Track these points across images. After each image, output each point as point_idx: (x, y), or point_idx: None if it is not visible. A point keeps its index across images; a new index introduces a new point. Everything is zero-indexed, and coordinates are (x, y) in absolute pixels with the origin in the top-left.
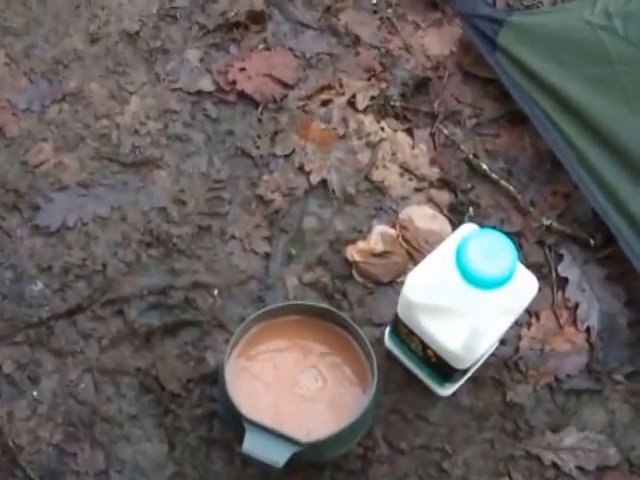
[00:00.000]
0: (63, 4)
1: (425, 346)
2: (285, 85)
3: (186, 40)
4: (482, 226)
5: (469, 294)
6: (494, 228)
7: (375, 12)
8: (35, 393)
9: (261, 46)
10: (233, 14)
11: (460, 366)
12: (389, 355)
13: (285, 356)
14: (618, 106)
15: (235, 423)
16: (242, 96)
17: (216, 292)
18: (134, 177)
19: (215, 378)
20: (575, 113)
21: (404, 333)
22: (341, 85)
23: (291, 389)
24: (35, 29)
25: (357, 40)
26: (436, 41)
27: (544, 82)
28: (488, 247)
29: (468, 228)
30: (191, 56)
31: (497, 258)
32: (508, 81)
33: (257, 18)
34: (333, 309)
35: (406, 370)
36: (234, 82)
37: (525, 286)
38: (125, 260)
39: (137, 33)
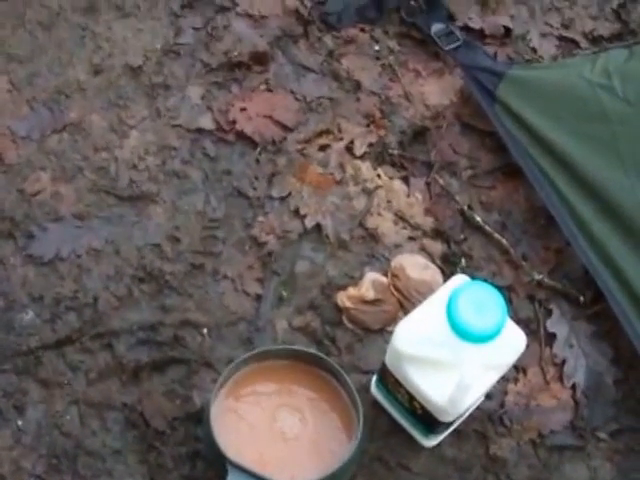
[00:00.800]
0: (68, 34)
1: (411, 397)
2: (285, 127)
3: (188, 77)
4: (474, 278)
5: (458, 347)
6: (485, 281)
7: (377, 58)
8: (20, 422)
9: (263, 87)
10: (236, 54)
11: (445, 419)
12: (375, 403)
13: (272, 399)
14: (612, 165)
15: (218, 463)
16: (241, 136)
17: (205, 331)
18: (130, 211)
19: (200, 417)
20: (569, 169)
21: (391, 383)
22: (340, 130)
23: (276, 432)
24: (39, 57)
25: (358, 86)
26: (436, 90)
27: (541, 137)
28: (479, 300)
29: (460, 280)
30: (193, 93)
31: (487, 312)
32: (505, 134)
33: (260, 59)
34: (322, 355)
35: (391, 418)
36: (234, 122)
37: (514, 342)
38: (117, 294)
39: (140, 67)
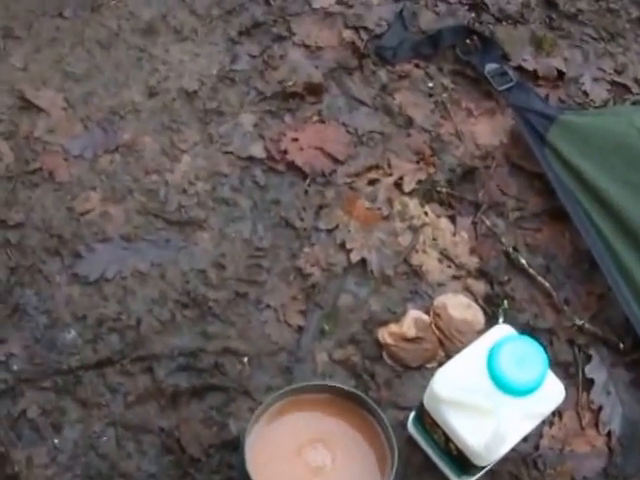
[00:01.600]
0: (125, 55)
1: (448, 439)
2: (335, 160)
3: (242, 104)
4: (515, 320)
5: (497, 397)
6: (527, 324)
7: (430, 95)
8: (56, 441)
9: (315, 118)
10: (291, 83)
11: (480, 463)
12: (410, 439)
13: (307, 432)
14: None
15: None
16: (291, 167)
17: (246, 360)
18: (177, 236)
19: (236, 445)
20: (615, 217)
21: (428, 423)
22: (390, 165)
23: (308, 466)
24: (96, 76)
25: (410, 121)
26: (487, 130)
27: (588, 182)
28: (520, 354)
29: (502, 330)
30: (246, 120)
31: (528, 366)
32: (554, 177)
33: (314, 90)
34: (360, 393)
35: (426, 455)
36: (285, 152)
37: (552, 393)
38: (160, 318)
39: (195, 92)
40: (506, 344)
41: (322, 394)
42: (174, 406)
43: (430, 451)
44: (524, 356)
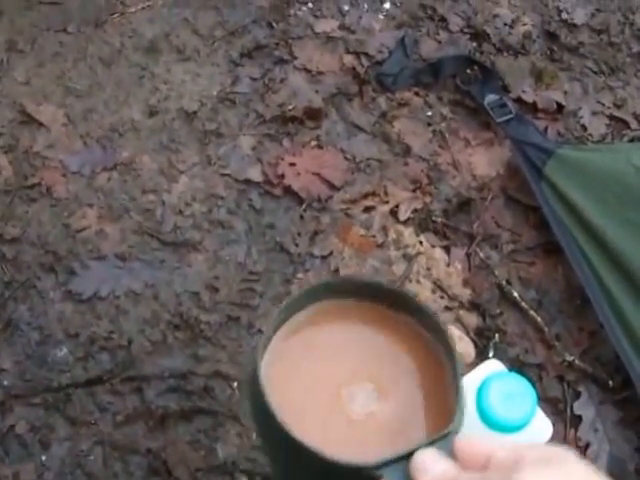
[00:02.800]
0: (127, 72)
1: None
2: (332, 186)
3: (241, 126)
4: (505, 354)
5: (484, 432)
6: (517, 358)
7: (429, 124)
8: (44, 458)
9: (314, 143)
10: (291, 107)
11: None
12: None
13: (341, 356)
14: None
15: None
16: (288, 191)
17: (235, 384)
18: (172, 257)
19: (224, 470)
20: (609, 254)
21: None
22: (386, 193)
23: (342, 407)
24: (97, 93)
25: (407, 150)
26: (484, 161)
27: (584, 218)
28: (509, 391)
29: (492, 365)
30: (244, 143)
31: (516, 403)
32: (549, 212)
33: (314, 115)
34: (411, 295)
35: None
36: (282, 176)
37: (540, 429)
38: (151, 339)
39: (195, 113)
40: (495, 381)
41: (360, 300)
42: (162, 428)
43: None
44: (513, 393)
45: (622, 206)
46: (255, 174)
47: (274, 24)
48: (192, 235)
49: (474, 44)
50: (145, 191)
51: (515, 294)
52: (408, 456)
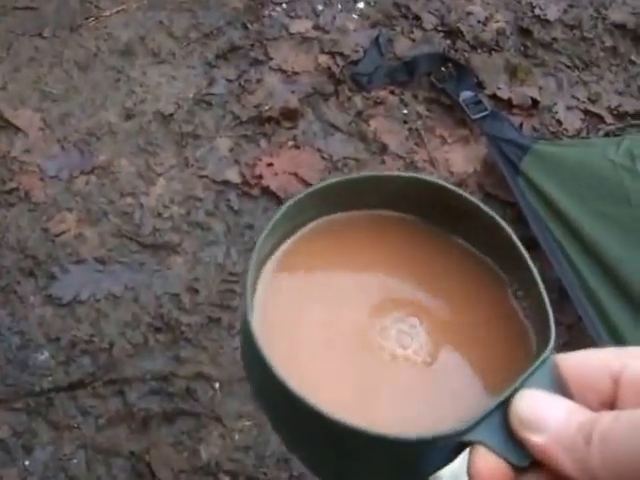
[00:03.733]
0: (103, 76)
1: None
2: (309, 186)
3: (218, 128)
4: None
5: None
6: None
7: (405, 122)
8: (27, 462)
9: (290, 143)
10: (267, 108)
11: None
12: None
13: (362, 287)
14: (630, 247)
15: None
16: (266, 191)
17: (217, 385)
18: (151, 259)
19: (208, 471)
20: (586, 247)
21: None
22: None
23: (382, 352)
24: (73, 97)
25: (384, 148)
26: (460, 158)
27: (561, 213)
28: None
29: None
30: (221, 145)
31: None
32: (526, 207)
33: (290, 115)
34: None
35: None
36: (260, 176)
37: None
38: (132, 341)
39: (171, 115)
40: None
41: (387, 211)
42: (145, 430)
43: None
44: None
45: (598, 200)
46: (233, 175)
47: (249, 25)
48: (171, 237)
49: (448, 42)
50: (123, 194)
51: None
52: (499, 408)
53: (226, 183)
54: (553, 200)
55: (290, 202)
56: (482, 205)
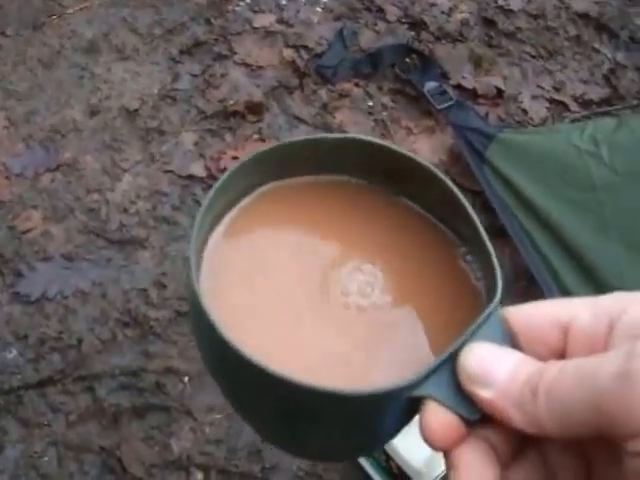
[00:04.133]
0: (67, 74)
1: (388, 457)
2: None
3: (183, 123)
4: None
5: None
6: None
7: (370, 113)
8: None
9: (255, 136)
10: (232, 102)
11: None
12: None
13: (311, 247)
14: (597, 233)
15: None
16: None
17: (187, 379)
18: (118, 255)
19: (179, 465)
20: (554, 234)
21: None
22: None
23: (340, 300)
24: (38, 95)
25: None
26: (426, 148)
27: (527, 200)
28: None
29: None
30: (186, 139)
31: None
32: (493, 195)
33: (255, 109)
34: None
35: (366, 475)
36: (225, 170)
37: None
38: (101, 337)
39: (136, 111)
40: None
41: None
42: (115, 425)
43: (371, 470)
44: None
45: (564, 186)
46: (198, 169)
47: (212, 20)
48: (138, 232)
49: (412, 33)
50: (89, 191)
51: None
52: (447, 361)
53: (191, 177)
54: (519, 187)
55: (230, 171)
56: (424, 162)
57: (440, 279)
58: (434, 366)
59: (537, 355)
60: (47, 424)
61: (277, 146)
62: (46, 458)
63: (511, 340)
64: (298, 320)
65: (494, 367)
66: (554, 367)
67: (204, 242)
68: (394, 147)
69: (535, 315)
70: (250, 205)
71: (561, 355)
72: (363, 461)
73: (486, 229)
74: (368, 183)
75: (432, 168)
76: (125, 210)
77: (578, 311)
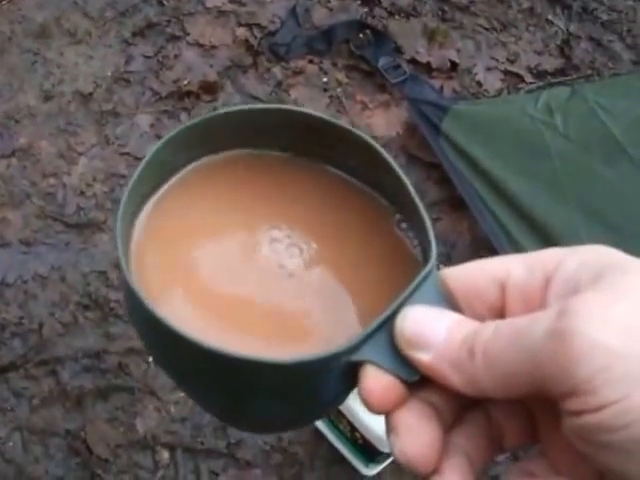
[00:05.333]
0: (19, 59)
1: (353, 428)
2: None
3: (138, 105)
4: None
5: None
6: None
7: (325, 90)
8: None
9: None
10: (186, 82)
11: (386, 449)
12: (316, 431)
13: (240, 218)
14: (554, 200)
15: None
16: None
17: (150, 359)
18: (76, 238)
19: (145, 445)
20: (512, 203)
21: (333, 414)
22: None
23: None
24: None
25: None
26: (382, 122)
27: (484, 170)
28: None
29: None
30: (142, 121)
31: None
32: (450, 167)
33: (209, 88)
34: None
35: (332, 448)
36: None
37: None
38: (62, 321)
39: (90, 94)
40: None
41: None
42: (79, 408)
43: (337, 442)
44: None
45: (520, 155)
46: None
47: (165, 2)
48: (95, 215)
49: (365, 9)
50: (45, 175)
51: None
52: (384, 325)
53: None
54: (476, 158)
55: (157, 145)
56: (354, 130)
57: (376, 247)
58: (370, 330)
59: (478, 315)
60: (10, 409)
61: (196, 122)
62: (11, 443)
63: (450, 302)
64: (231, 286)
65: (430, 329)
66: (489, 327)
67: (132, 221)
68: (325, 116)
69: (473, 273)
70: (179, 181)
71: (502, 314)
72: (328, 433)
73: (444, 201)
74: (299, 154)
75: (367, 137)
76: (82, 193)
77: (512, 266)
